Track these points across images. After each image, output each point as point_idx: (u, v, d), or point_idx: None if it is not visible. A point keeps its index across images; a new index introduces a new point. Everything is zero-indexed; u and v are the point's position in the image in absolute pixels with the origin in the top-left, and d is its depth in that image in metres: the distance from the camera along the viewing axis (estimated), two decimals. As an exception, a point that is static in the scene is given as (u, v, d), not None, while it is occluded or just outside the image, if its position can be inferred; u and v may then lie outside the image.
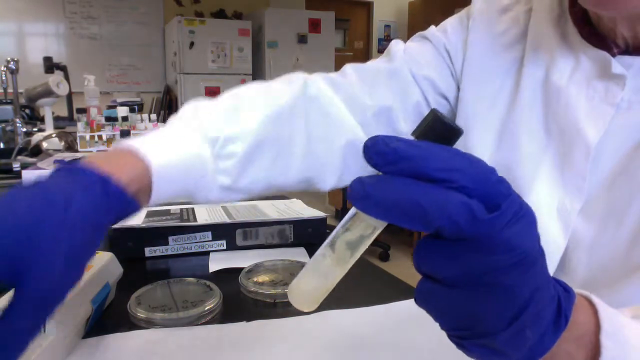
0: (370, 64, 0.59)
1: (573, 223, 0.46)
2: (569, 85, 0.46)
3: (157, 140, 0.41)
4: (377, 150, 0.23)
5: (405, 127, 0.55)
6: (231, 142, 0.46)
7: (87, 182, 0.32)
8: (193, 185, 0.43)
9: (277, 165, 0.49)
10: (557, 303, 0.25)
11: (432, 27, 0.60)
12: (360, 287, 0.59)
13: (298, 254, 0.67)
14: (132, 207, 0.35)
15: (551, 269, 0.45)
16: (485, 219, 0.22)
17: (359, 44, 6.56)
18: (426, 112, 0.43)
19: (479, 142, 0.53)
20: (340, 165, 0.53)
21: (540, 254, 0.24)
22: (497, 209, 0.22)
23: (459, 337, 0.25)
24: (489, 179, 0.23)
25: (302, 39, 5.28)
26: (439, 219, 0.22)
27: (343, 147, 0.53)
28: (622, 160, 0.44)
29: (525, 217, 0.24)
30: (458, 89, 0.56)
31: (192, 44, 4.86)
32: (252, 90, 0.52)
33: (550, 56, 0.49)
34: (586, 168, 0.45)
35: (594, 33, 0.46)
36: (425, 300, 0.25)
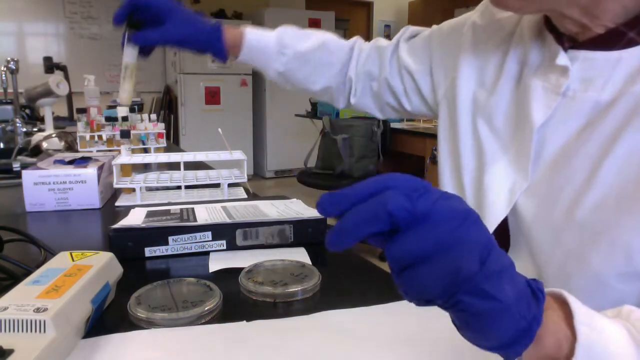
0: (381, 39, 0.81)
1: (515, 200, 0.52)
2: (533, 78, 0.53)
3: (258, 32, 0.77)
4: (322, 207, 0.31)
5: (376, 88, 0.79)
6: (286, 48, 0.77)
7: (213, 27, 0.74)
8: (263, 60, 0.78)
9: (310, 73, 0.79)
10: (526, 281, 0.30)
11: (435, 27, 0.73)
12: (360, 287, 0.59)
13: (298, 254, 0.67)
14: (221, 50, 0.75)
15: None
16: (415, 195, 0.28)
17: (359, 44, 6.55)
18: (394, 85, 0.76)
19: (463, 123, 0.62)
20: (342, 90, 0.82)
21: (479, 218, 0.29)
22: (421, 190, 0.28)
23: (450, 296, 0.28)
24: (408, 178, 0.29)
25: (302, 39, 5.27)
26: (386, 211, 0.27)
27: (344, 82, 0.81)
28: (564, 145, 0.49)
29: (453, 196, 0.29)
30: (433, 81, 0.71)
31: (192, 44, 4.85)
32: (322, 32, 0.82)
33: (525, 54, 0.56)
34: (530, 150, 0.51)
35: (557, 33, 0.51)
36: (415, 284, 0.28)
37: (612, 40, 0.47)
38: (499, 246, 0.30)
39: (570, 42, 0.50)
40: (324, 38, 0.80)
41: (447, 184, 0.64)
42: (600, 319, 0.31)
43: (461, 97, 0.63)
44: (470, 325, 0.29)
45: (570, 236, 0.47)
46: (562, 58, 0.49)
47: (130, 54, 0.73)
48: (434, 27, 0.74)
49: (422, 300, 0.29)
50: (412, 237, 0.28)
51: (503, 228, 0.54)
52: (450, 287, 0.28)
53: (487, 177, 0.56)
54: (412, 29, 0.77)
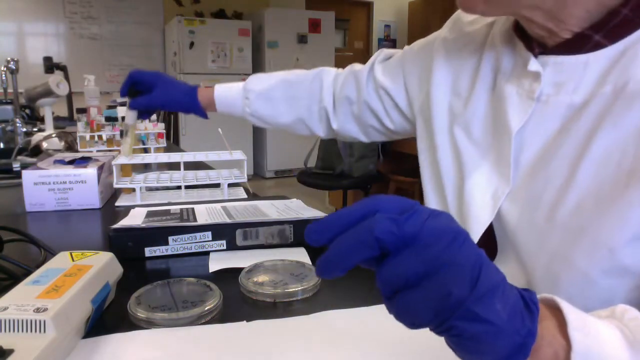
0: (356, 65, 0.84)
1: (499, 206, 0.52)
2: (507, 85, 0.54)
3: (226, 86, 0.89)
4: (309, 238, 0.31)
5: (357, 112, 0.81)
6: (249, 92, 0.87)
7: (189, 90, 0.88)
8: (234, 108, 0.88)
9: (274, 108, 0.86)
10: (518, 292, 0.30)
11: (407, 47, 0.77)
12: (360, 287, 0.59)
13: (298, 254, 0.67)
14: (198, 109, 0.90)
15: (475, 239, 0.53)
16: (402, 219, 0.28)
17: (359, 44, 6.56)
18: (374, 106, 0.78)
19: (441, 133, 0.63)
20: (318, 120, 0.86)
21: (468, 236, 0.29)
22: (409, 211, 0.28)
23: (442, 322, 0.28)
24: (394, 199, 0.30)
25: (302, 39, 5.28)
26: (373, 237, 0.27)
27: (317, 111, 0.85)
28: (542, 148, 0.50)
29: (442, 214, 0.29)
30: (408, 97, 0.73)
31: (192, 44, 4.86)
32: (286, 72, 0.89)
33: (498, 61, 0.57)
34: (509, 155, 0.52)
35: (527, 39, 0.53)
36: (407, 308, 0.28)
37: (579, 44, 0.48)
38: (487, 254, 0.30)
39: (540, 48, 0.51)
40: (286, 75, 0.87)
41: (429, 194, 0.65)
42: (594, 322, 0.31)
43: (437, 108, 0.64)
44: (465, 348, 0.29)
45: (554, 237, 0.47)
46: (534, 64, 0.51)
47: (130, 116, 0.93)
48: (406, 47, 0.76)
49: (414, 325, 0.29)
50: (401, 260, 0.28)
51: (489, 234, 0.55)
52: (441, 313, 0.27)
53: (468, 185, 0.56)
54: (386, 51, 0.80)
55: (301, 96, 0.85)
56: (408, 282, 0.28)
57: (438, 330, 0.29)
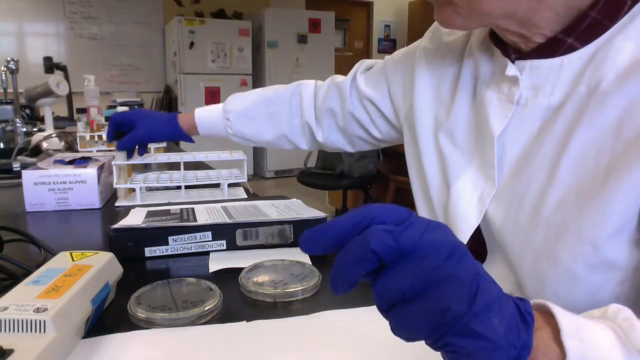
0: (337, 76, 0.85)
1: (485, 208, 0.54)
2: (487, 91, 0.56)
3: (206, 108, 0.92)
4: (304, 246, 0.32)
5: (342, 123, 0.81)
6: (229, 113, 0.87)
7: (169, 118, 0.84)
8: (216, 130, 0.90)
9: (256, 126, 0.87)
10: (514, 303, 0.30)
11: (387, 57, 0.78)
12: (360, 287, 0.59)
13: (298, 254, 0.67)
14: (182, 135, 0.91)
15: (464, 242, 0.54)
16: (399, 230, 0.28)
17: (359, 44, 6.56)
18: (359, 117, 0.79)
19: (425, 141, 0.64)
20: (301, 134, 0.87)
21: (467, 251, 0.29)
22: (405, 222, 0.28)
23: (439, 337, 0.28)
24: (391, 209, 0.30)
25: (302, 39, 5.28)
26: (370, 250, 0.27)
27: (301, 125, 0.85)
28: (523, 150, 0.52)
29: (439, 226, 0.29)
30: (393, 105, 0.74)
31: (192, 44, 4.85)
32: (264, 89, 0.90)
33: (477, 69, 0.59)
34: (493, 158, 0.53)
35: (503, 45, 0.54)
36: (403, 323, 0.28)
37: (553, 47, 0.50)
38: (476, 256, 0.30)
39: (517, 54, 0.53)
40: (265, 92, 0.88)
41: (417, 198, 0.66)
42: (587, 326, 0.31)
43: (421, 117, 0.65)
44: None
45: (538, 236, 0.48)
46: (511, 69, 0.52)
47: (120, 157, 0.96)
48: (387, 57, 0.77)
49: (410, 339, 0.29)
50: (397, 274, 0.27)
51: (478, 236, 0.56)
52: (439, 328, 0.27)
53: (454, 189, 0.58)
54: (368, 62, 0.81)
55: (281, 112, 0.86)
56: (404, 296, 0.28)
57: (435, 345, 0.29)
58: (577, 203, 0.45)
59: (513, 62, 0.53)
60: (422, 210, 0.65)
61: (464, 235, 0.55)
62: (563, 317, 0.31)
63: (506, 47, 0.54)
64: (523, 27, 0.50)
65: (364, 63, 0.81)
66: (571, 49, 0.49)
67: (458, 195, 0.57)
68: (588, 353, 0.30)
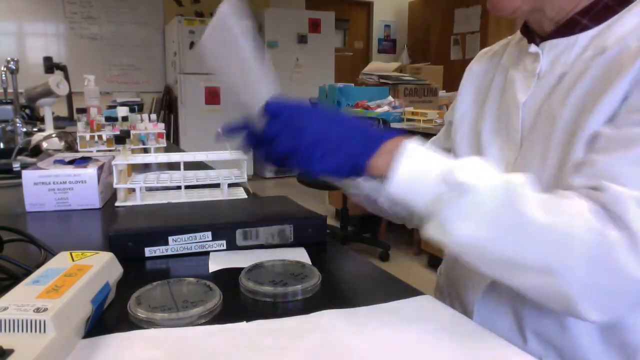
0: None
1: (511, 169, 0.62)
2: (514, 72, 0.67)
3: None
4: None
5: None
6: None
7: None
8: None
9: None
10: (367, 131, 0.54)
11: None
12: (360, 287, 0.59)
13: (298, 254, 0.67)
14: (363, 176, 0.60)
15: None
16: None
17: (359, 44, 6.56)
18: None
19: (466, 118, 0.75)
20: None
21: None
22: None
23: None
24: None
25: (302, 39, 5.28)
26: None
27: None
28: (538, 114, 0.61)
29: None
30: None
31: (192, 44, 4.85)
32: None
33: (510, 60, 0.70)
34: (518, 123, 0.63)
35: (530, 35, 0.66)
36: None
37: (570, 27, 0.60)
38: None
39: (540, 38, 0.64)
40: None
41: None
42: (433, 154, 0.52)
43: (460, 111, 0.76)
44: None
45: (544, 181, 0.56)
46: (533, 47, 0.63)
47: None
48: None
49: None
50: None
51: None
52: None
53: (488, 156, 0.66)
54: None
55: None
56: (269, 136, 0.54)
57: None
58: (576, 137, 0.54)
59: (537, 44, 0.63)
60: None
61: None
62: (410, 145, 0.51)
63: (531, 34, 0.65)
64: (553, 10, 0.60)
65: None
66: (585, 28, 0.59)
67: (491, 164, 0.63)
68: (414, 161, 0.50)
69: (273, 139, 0.53)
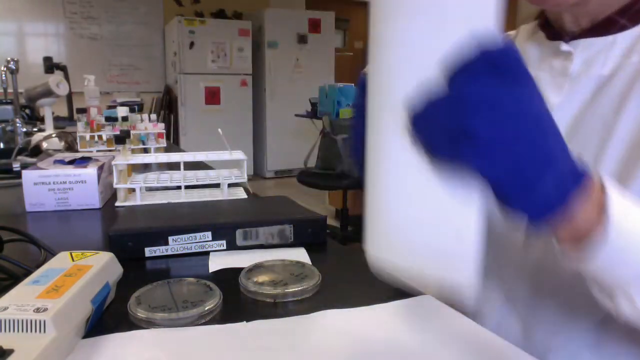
0: None
1: None
2: (539, 72, 0.61)
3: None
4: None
5: None
6: None
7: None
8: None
9: None
10: (576, 167, 0.35)
11: None
12: (360, 287, 0.59)
13: (298, 254, 0.67)
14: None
15: None
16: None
17: (359, 44, 6.55)
18: None
19: None
20: None
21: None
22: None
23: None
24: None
25: (302, 39, 5.28)
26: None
27: None
28: (574, 119, 0.56)
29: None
30: None
31: (192, 44, 4.86)
32: None
33: (527, 59, 0.63)
34: None
35: (554, 32, 0.60)
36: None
37: (607, 27, 0.55)
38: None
39: (568, 36, 0.58)
40: None
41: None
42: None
43: None
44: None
45: None
46: (565, 46, 0.58)
47: None
48: None
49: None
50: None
51: None
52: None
53: None
54: None
55: None
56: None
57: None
58: (630, 157, 0.50)
59: (566, 42, 0.58)
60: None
61: None
62: (614, 190, 0.36)
63: (557, 32, 0.60)
64: (597, 5, 0.54)
65: None
66: (624, 28, 0.54)
67: None
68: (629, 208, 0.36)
69: (486, 143, 0.29)
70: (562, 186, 0.32)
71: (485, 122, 0.29)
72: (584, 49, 0.56)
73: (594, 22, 0.56)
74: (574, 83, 0.57)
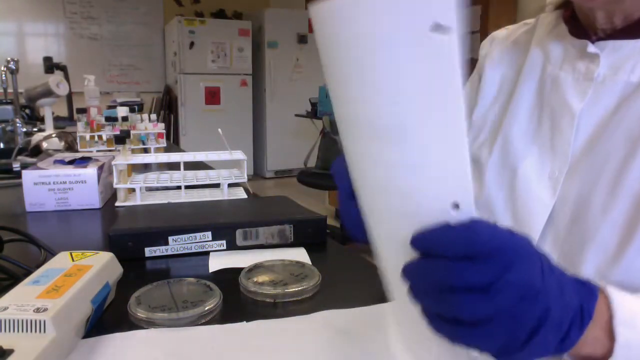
0: None
1: (560, 185, 0.54)
2: (560, 72, 0.57)
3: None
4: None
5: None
6: None
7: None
8: None
9: None
10: (580, 307, 0.33)
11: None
12: (360, 287, 0.59)
13: (298, 254, 0.67)
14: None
15: (539, 226, 0.54)
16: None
17: (359, 44, 6.55)
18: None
19: (488, 118, 0.65)
20: None
21: (544, 281, 0.31)
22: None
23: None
24: (529, 276, 0.31)
25: (302, 39, 5.27)
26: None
27: None
28: (598, 125, 0.53)
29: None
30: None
31: (192, 44, 4.85)
32: None
33: (545, 55, 0.60)
34: (571, 134, 0.54)
35: (580, 28, 0.57)
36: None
37: (636, 30, 0.52)
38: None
39: (595, 36, 0.55)
40: None
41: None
42: None
43: (481, 111, 0.67)
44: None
45: (618, 204, 0.48)
46: (592, 47, 0.54)
47: None
48: None
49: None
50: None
51: None
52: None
53: (521, 171, 0.58)
54: None
55: None
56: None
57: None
58: None
59: (593, 43, 0.54)
60: (492, 193, 0.63)
61: (542, 217, 0.54)
62: (619, 303, 0.35)
63: (584, 31, 0.56)
64: (635, 3, 0.51)
65: None
66: None
67: (526, 177, 0.56)
68: (637, 341, 0.34)
69: (482, 321, 0.30)
70: (566, 339, 0.33)
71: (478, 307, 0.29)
72: (612, 52, 0.53)
73: (628, 22, 0.52)
74: (598, 88, 0.53)
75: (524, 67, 0.62)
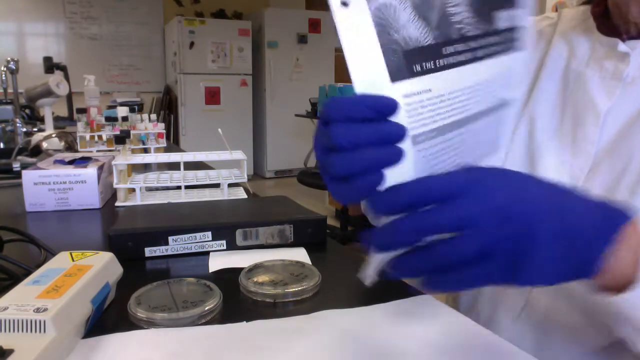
0: None
1: (581, 184, 0.53)
2: (586, 69, 0.56)
3: None
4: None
5: None
6: None
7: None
8: None
9: None
10: (602, 226, 0.33)
11: None
12: (360, 287, 0.59)
13: (298, 254, 0.67)
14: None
15: None
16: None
17: (359, 44, 6.54)
18: None
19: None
20: None
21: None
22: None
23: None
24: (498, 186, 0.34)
25: (302, 39, 5.28)
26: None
27: None
28: (625, 126, 0.51)
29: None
30: None
31: (192, 44, 4.86)
32: None
33: (570, 49, 0.59)
34: (596, 134, 0.53)
35: (610, 26, 0.55)
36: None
37: None
38: None
39: (626, 34, 0.54)
40: None
41: None
42: None
43: None
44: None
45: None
46: (622, 46, 0.53)
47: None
48: None
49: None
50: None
51: None
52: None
53: (541, 168, 0.57)
54: None
55: None
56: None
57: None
58: None
59: (623, 41, 0.53)
60: None
61: None
62: None
63: (614, 29, 0.55)
64: None
65: None
66: None
67: (546, 175, 0.55)
68: None
69: (483, 255, 0.31)
70: (595, 256, 0.32)
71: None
72: None
73: None
74: (626, 88, 0.52)
75: (546, 58, 0.61)
